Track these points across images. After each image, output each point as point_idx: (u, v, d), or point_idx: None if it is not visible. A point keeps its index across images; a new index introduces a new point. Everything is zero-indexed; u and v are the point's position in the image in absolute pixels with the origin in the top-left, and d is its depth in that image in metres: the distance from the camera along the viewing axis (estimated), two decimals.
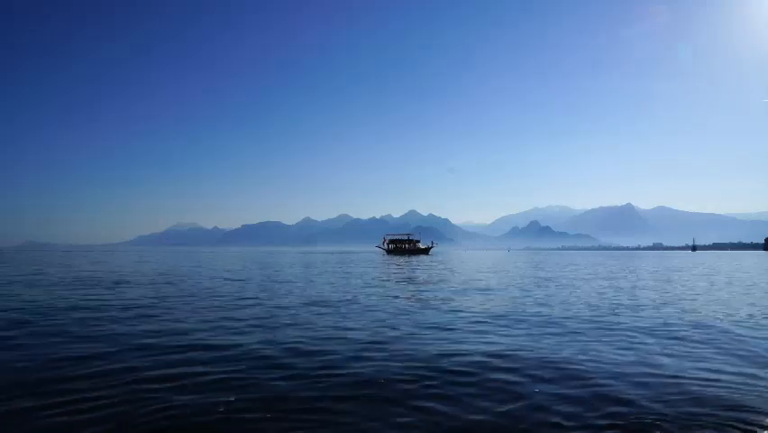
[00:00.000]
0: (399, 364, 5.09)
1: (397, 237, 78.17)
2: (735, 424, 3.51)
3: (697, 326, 7.68)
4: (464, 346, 6.00)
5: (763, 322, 8.24)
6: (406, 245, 76.17)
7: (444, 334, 6.90)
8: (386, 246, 77.51)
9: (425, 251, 76.59)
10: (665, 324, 7.86)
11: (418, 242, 77.28)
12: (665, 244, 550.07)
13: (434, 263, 36.38)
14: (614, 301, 11.28)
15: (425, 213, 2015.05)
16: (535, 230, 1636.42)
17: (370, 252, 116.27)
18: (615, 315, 8.91)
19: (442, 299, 11.54)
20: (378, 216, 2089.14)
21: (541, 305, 10.44)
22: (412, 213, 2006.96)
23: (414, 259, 48.28)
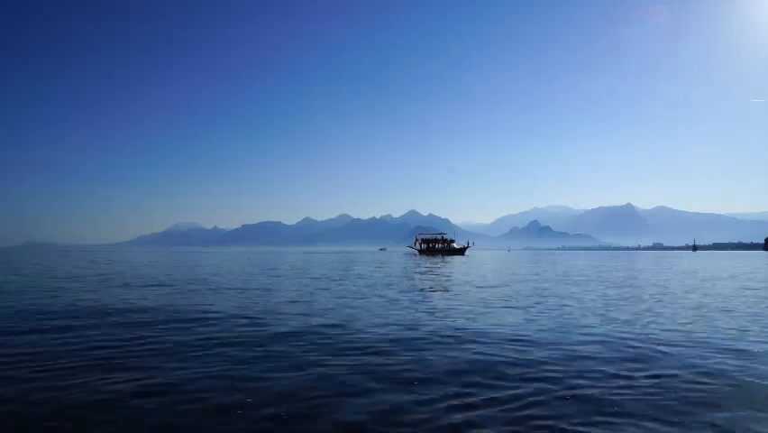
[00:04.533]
0: None
1: (429, 237, 74.42)
2: None
3: None
4: None
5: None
6: (440, 245, 72.46)
7: None
8: (418, 246, 74.37)
9: (461, 251, 72.08)
10: None
11: (452, 241, 72.83)
12: (665, 244, 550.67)
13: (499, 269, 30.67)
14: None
15: (425, 213, 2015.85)
16: (535, 230, 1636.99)
17: (372, 251, 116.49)
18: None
19: None
20: (378, 216, 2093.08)
21: None
22: (412, 213, 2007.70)
23: (455, 260, 45.21)
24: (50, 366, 5.22)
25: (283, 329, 7.46)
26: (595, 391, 4.40)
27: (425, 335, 7.10)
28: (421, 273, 23.24)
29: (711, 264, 40.13)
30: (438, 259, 47.87)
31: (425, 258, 50.88)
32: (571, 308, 10.33)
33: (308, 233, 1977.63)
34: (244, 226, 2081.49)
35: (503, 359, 5.60)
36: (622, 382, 4.67)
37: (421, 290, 14.45)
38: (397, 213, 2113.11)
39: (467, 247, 74.28)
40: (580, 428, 3.56)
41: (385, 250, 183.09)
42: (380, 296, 12.61)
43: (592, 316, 9.10)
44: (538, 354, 5.84)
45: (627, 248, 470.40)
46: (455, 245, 72.48)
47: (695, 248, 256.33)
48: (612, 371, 5.08)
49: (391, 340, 6.68)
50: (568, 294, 13.35)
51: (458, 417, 3.79)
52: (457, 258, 52.41)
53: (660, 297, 12.83)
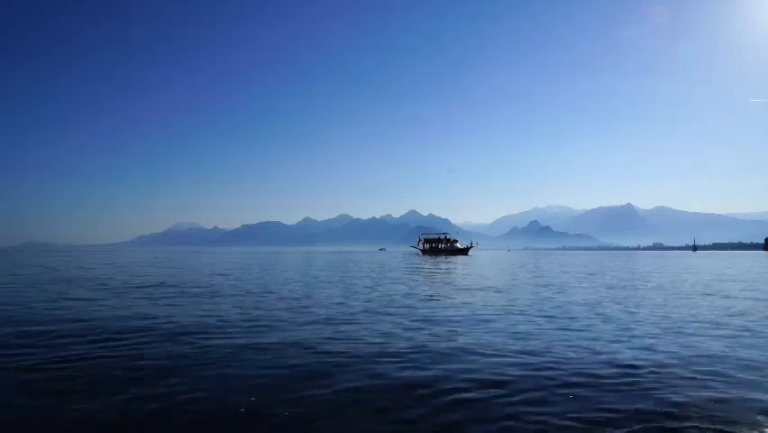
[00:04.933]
0: None
1: (432, 237, 74.89)
2: None
3: None
4: None
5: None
6: (443, 245, 72.45)
7: None
8: (421, 246, 74.75)
9: (464, 251, 71.79)
10: None
11: (456, 241, 72.94)
12: (665, 244, 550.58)
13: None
14: None
15: (425, 213, 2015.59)
16: (535, 230, 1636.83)
17: (372, 252, 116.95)
18: None
19: None
20: (378, 216, 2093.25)
21: None
22: (412, 213, 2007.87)
23: (459, 260, 44.79)
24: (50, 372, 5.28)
25: (291, 338, 7.45)
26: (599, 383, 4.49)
27: (433, 337, 7.16)
28: (425, 274, 23.26)
29: (714, 264, 40.15)
30: (441, 259, 47.67)
31: (428, 258, 50.60)
32: (579, 305, 10.53)
33: (308, 233, 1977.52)
34: (244, 226, 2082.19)
35: (515, 359, 5.67)
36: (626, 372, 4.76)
37: (429, 294, 14.39)
38: (397, 213, 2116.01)
39: (470, 247, 73.88)
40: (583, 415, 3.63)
41: (385, 250, 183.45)
42: (388, 296, 12.72)
43: (593, 313, 9.28)
44: (547, 351, 5.93)
45: (627, 248, 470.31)
46: (459, 245, 72.24)
47: (695, 248, 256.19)
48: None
49: (404, 343, 6.67)
50: (575, 294, 13.58)
51: (456, 415, 3.88)
52: (460, 258, 52.07)
53: (664, 294, 12.96)
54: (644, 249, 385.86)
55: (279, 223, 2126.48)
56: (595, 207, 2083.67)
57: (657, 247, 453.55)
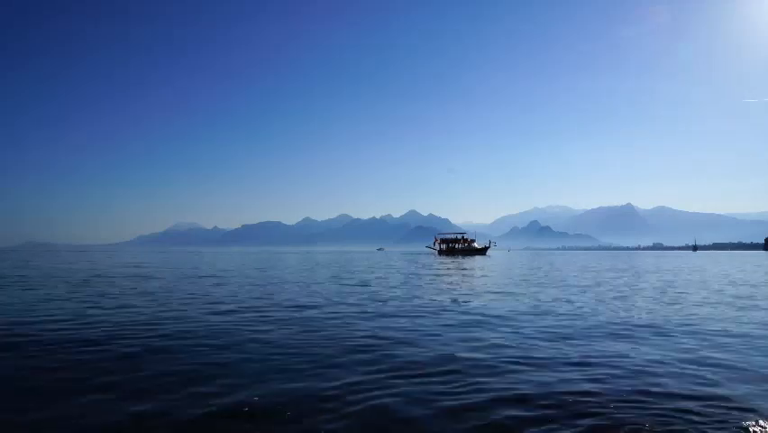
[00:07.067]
0: None
1: (448, 237, 74.09)
2: None
3: None
4: None
5: None
6: (460, 245, 71.32)
7: None
8: (437, 246, 73.87)
9: (482, 251, 70.57)
10: None
11: (473, 241, 71.59)
12: (665, 244, 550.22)
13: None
14: None
15: (425, 213, 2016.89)
16: (535, 230, 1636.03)
17: (369, 251, 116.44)
18: None
19: None
20: (378, 216, 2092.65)
21: None
22: (412, 213, 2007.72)
23: (477, 260, 43.44)
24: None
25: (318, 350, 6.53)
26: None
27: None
28: (451, 276, 20.69)
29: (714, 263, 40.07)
30: (460, 259, 46.36)
31: (445, 258, 49.31)
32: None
33: (308, 233, 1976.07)
34: (244, 226, 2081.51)
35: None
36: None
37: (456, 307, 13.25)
38: (397, 213, 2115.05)
39: (488, 247, 72.46)
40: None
41: (383, 250, 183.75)
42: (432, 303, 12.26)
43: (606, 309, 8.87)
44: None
45: (627, 248, 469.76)
46: (476, 245, 71.30)
47: (695, 248, 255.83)
48: None
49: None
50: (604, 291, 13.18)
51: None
52: (478, 258, 50.80)
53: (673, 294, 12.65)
54: (645, 249, 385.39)
55: (279, 223, 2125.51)
56: (595, 207, 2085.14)
57: (657, 247, 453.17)
